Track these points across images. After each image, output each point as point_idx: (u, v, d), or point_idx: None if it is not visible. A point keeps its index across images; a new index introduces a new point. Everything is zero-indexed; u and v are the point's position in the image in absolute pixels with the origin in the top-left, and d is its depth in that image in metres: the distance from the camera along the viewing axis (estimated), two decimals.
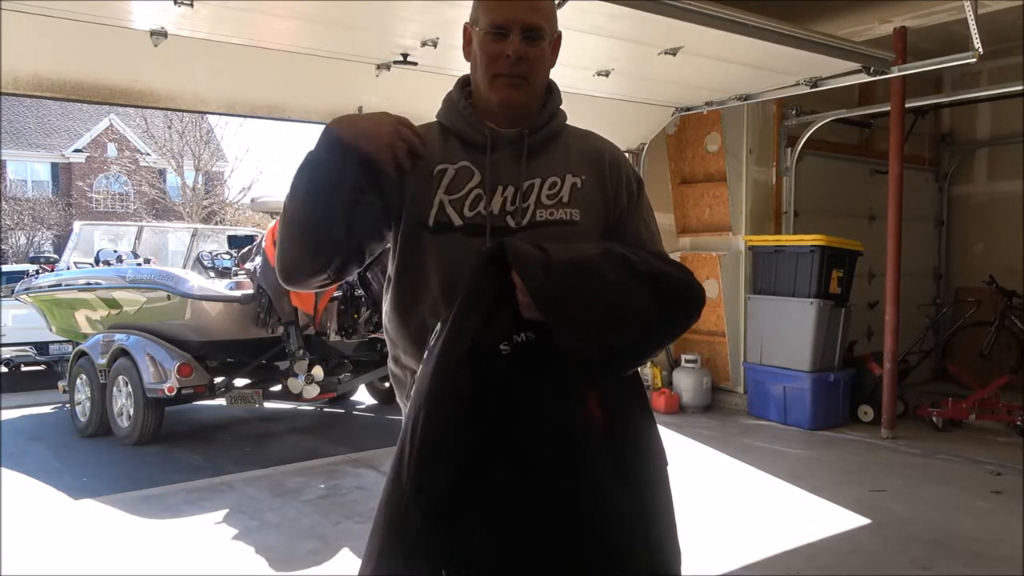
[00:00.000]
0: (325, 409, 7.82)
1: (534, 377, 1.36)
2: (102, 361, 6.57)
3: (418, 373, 1.49)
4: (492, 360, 1.35)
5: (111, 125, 27.28)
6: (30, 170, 27.56)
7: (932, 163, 8.38)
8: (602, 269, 1.35)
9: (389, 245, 1.61)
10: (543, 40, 1.53)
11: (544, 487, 1.34)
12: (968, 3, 4.43)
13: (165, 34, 3.82)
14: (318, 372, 6.07)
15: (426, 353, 1.44)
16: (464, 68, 1.63)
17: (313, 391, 6.07)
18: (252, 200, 9.39)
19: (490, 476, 1.34)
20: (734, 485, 4.90)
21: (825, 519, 4.18)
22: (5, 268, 12.22)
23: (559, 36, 1.59)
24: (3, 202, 24.02)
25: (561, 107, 1.64)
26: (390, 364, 1.67)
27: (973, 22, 4.48)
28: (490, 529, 1.34)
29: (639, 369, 1.51)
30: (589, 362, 1.32)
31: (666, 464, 1.51)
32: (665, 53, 4.52)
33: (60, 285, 7.69)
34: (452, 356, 1.32)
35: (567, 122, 1.65)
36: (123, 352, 6.39)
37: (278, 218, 6.75)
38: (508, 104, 1.54)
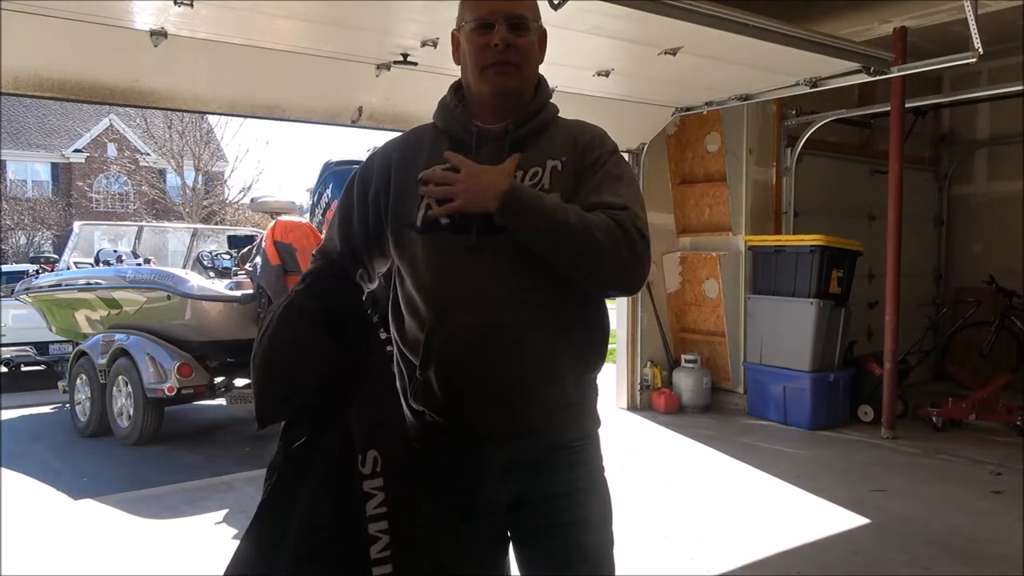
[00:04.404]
0: None
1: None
2: (102, 361, 6.57)
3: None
4: None
5: (111, 125, 27.28)
6: (30, 170, 27.58)
7: (932, 163, 8.39)
8: None
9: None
10: (528, 31, 1.55)
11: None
12: (968, 3, 4.43)
13: (165, 34, 3.82)
14: None
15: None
16: None
17: None
18: (252, 200, 9.39)
19: None
20: (734, 485, 4.89)
21: (825, 519, 4.18)
22: (5, 268, 12.20)
23: (544, 32, 1.61)
24: (3, 202, 24.02)
25: (552, 101, 1.64)
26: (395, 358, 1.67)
27: (973, 22, 4.48)
28: None
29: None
30: None
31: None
32: (665, 53, 4.52)
33: (60, 285, 7.68)
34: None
35: (559, 115, 1.65)
36: (123, 352, 6.39)
37: (278, 218, 6.72)
38: (500, 91, 1.55)
